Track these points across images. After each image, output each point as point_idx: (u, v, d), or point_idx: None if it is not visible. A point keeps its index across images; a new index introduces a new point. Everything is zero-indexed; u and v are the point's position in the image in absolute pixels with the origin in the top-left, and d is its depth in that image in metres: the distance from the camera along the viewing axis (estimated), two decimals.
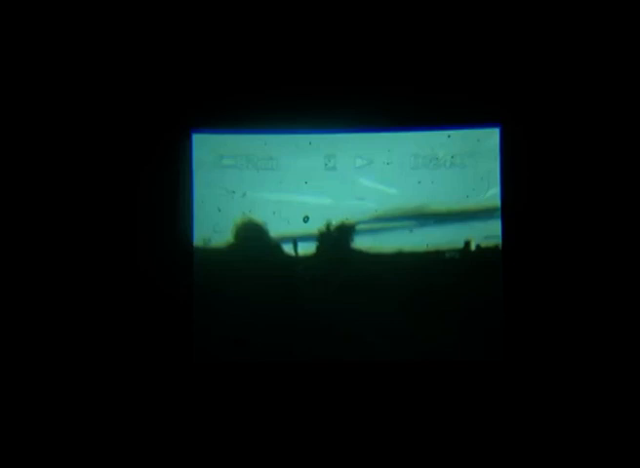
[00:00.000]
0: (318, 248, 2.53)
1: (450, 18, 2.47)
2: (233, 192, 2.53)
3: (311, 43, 2.50)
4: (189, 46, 2.49)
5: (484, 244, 2.52)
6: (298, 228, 2.53)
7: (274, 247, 2.53)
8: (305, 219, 2.54)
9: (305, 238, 2.53)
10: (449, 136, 2.53)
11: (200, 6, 2.48)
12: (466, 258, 2.51)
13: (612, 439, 2.37)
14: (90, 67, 2.47)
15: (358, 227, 2.53)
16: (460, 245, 2.52)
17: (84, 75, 2.47)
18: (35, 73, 2.46)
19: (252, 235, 2.53)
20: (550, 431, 2.42)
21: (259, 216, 2.53)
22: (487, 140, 2.52)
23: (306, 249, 2.53)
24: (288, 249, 2.53)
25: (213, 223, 2.52)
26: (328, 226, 2.53)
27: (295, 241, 2.53)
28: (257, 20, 2.48)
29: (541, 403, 2.44)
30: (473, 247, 2.51)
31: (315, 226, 2.53)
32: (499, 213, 2.50)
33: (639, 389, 2.39)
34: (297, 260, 2.53)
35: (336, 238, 2.53)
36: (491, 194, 2.51)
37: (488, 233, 2.51)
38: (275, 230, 2.53)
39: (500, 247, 2.50)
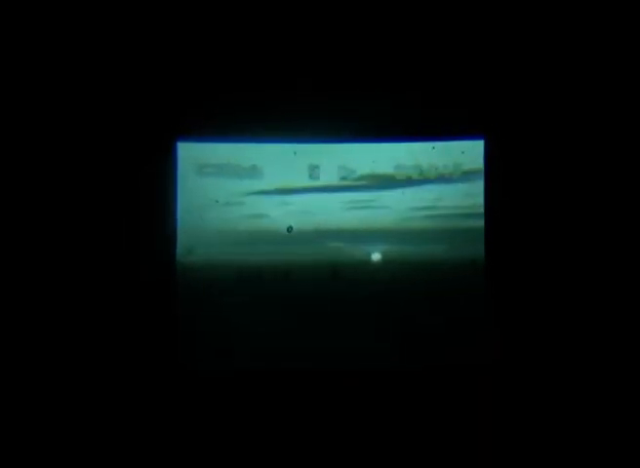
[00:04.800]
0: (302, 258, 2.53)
1: (433, 29, 2.49)
2: (216, 201, 2.53)
3: (297, 53, 2.51)
4: (175, 56, 2.49)
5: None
6: (281, 238, 2.52)
7: (259, 254, 2.52)
8: (289, 229, 2.53)
9: (290, 246, 2.53)
10: (433, 148, 2.54)
11: (187, 16, 2.49)
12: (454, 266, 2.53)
13: (607, 436, 2.37)
14: (76, 77, 2.47)
15: (342, 237, 2.52)
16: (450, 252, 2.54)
17: (70, 85, 2.48)
18: (21, 80, 2.46)
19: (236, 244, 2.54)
20: (545, 431, 2.42)
21: (242, 226, 2.53)
22: (471, 152, 2.53)
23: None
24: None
25: (196, 232, 2.52)
26: (312, 236, 2.52)
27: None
28: (242, 31, 2.50)
29: (534, 401, 2.44)
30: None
31: (299, 236, 2.52)
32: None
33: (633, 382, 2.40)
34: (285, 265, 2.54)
35: (319, 248, 2.53)
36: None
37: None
38: (259, 239, 2.52)
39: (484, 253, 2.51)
